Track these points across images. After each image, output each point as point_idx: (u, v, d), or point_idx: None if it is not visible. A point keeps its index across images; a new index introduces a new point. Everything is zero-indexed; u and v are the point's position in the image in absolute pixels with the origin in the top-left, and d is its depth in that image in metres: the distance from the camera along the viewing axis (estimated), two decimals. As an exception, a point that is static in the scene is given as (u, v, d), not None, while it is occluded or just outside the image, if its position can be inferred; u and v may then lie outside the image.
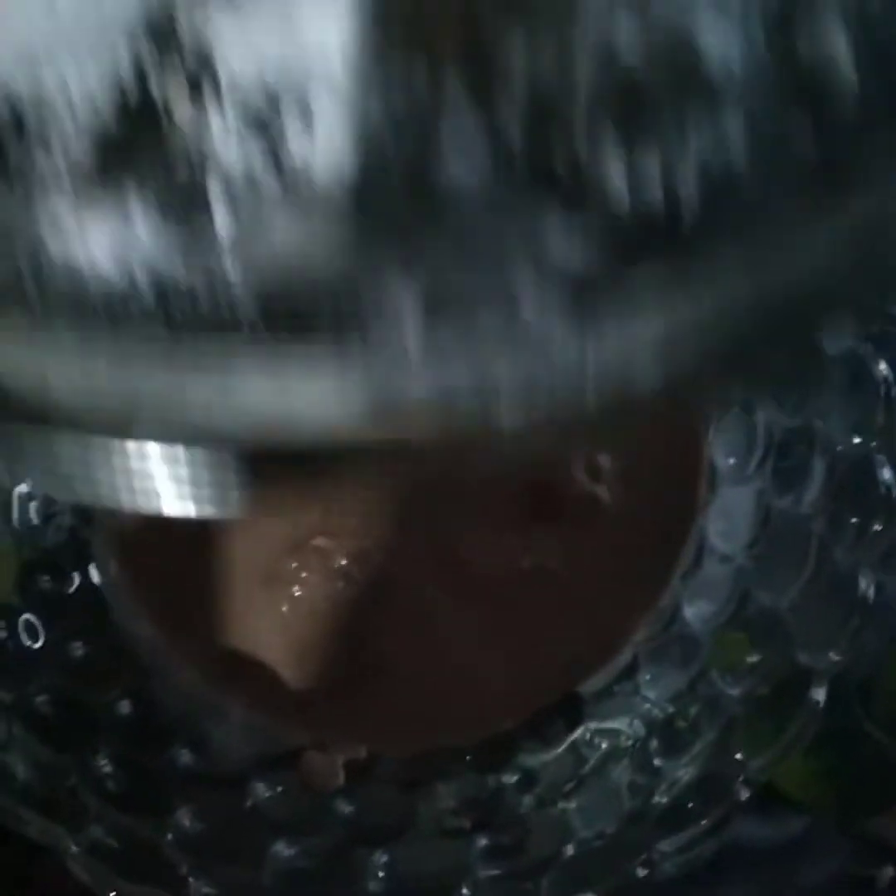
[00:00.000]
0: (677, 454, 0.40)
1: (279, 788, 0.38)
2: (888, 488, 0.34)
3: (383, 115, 0.19)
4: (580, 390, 0.18)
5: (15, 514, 0.39)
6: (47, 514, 0.40)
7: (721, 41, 0.18)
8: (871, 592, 0.33)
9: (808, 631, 0.34)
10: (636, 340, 0.18)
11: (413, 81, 0.19)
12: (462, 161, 0.19)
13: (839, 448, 0.35)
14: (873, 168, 0.18)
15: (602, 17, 0.18)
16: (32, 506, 0.40)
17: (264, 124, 0.18)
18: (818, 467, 0.36)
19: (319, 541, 0.40)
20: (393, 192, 0.19)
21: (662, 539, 0.39)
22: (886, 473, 0.34)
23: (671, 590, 0.39)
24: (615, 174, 0.18)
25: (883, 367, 0.34)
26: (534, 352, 0.18)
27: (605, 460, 0.39)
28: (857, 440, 0.35)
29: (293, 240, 0.18)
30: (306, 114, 0.19)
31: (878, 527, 0.34)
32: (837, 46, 0.18)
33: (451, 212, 0.19)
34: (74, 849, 0.34)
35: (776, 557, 0.37)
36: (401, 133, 0.19)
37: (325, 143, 0.18)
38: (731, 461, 0.39)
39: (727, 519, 0.39)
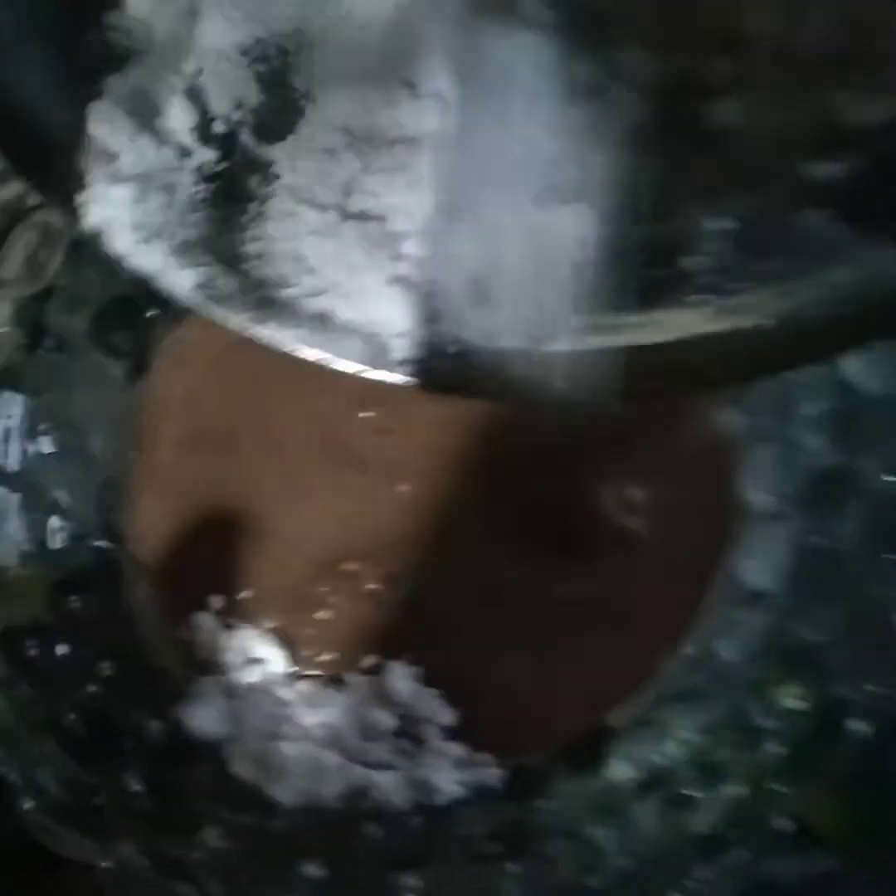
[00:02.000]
0: (709, 490, 0.40)
1: (308, 810, 0.38)
2: (924, 525, 0.35)
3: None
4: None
5: (47, 535, 0.40)
6: (78, 535, 0.40)
7: None
8: (909, 627, 0.34)
9: (845, 664, 0.35)
10: None
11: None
12: None
13: (875, 486, 0.36)
14: None
15: None
16: (64, 527, 0.40)
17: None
18: (854, 505, 0.36)
19: (349, 565, 0.41)
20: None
21: (694, 573, 0.40)
22: (922, 511, 0.35)
23: (703, 623, 0.39)
24: None
25: (919, 409, 0.35)
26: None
27: (638, 494, 0.40)
28: (892, 479, 0.36)
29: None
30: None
31: (914, 563, 0.35)
32: None
33: None
34: (105, 865, 0.34)
35: (811, 593, 0.37)
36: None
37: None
38: (765, 498, 0.39)
39: (761, 555, 0.39)
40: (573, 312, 0.25)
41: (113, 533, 0.41)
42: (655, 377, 0.26)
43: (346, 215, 0.26)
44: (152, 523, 0.41)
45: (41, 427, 0.39)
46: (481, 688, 0.39)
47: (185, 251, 0.27)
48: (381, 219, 0.26)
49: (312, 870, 0.36)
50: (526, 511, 0.40)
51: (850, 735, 0.33)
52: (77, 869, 0.35)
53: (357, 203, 0.26)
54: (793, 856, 0.38)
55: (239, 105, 0.27)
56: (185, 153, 0.27)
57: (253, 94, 0.27)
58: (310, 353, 0.27)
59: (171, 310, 0.42)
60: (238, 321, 0.27)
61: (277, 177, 0.27)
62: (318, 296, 0.26)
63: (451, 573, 0.40)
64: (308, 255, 0.26)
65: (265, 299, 0.27)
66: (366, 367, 0.27)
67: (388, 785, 0.38)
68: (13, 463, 0.39)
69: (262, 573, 0.41)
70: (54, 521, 0.40)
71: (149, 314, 0.41)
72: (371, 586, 0.41)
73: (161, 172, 0.27)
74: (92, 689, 0.38)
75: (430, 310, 0.26)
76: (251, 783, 0.38)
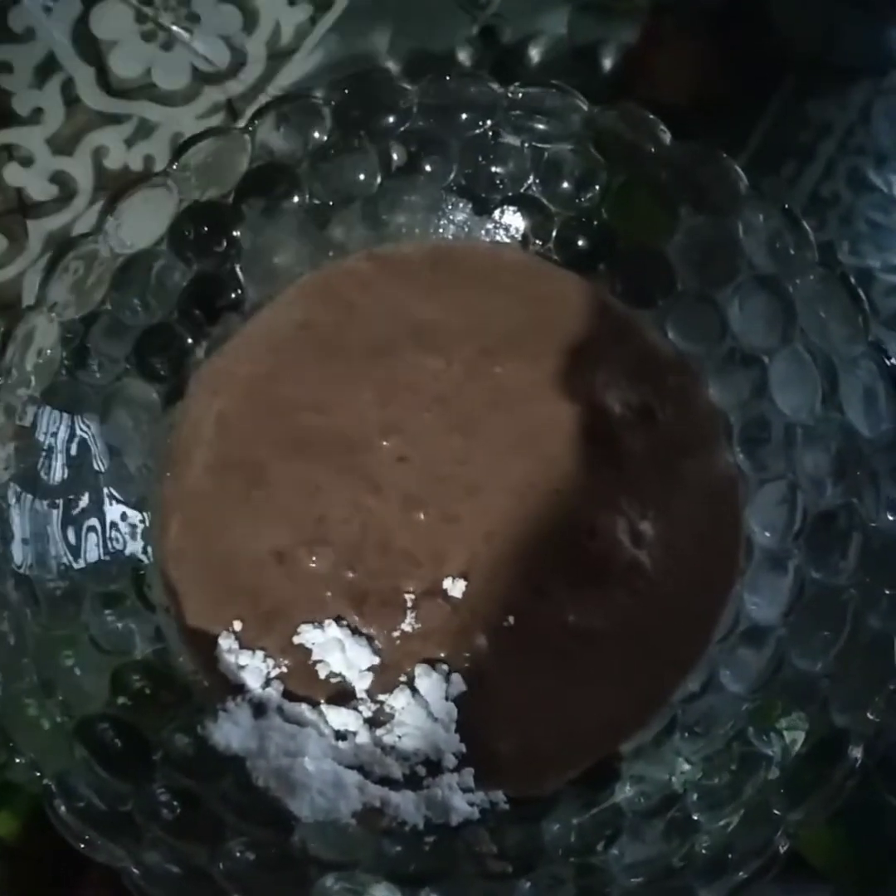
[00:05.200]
0: (717, 527, 0.42)
1: (327, 825, 0.39)
2: (922, 562, 0.36)
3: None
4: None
5: (84, 550, 0.41)
6: (114, 551, 0.42)
7: None
8: (907, 659, 0.35)
9: (844, 694, 0.36)
10: None
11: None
12: None
13: (874, 524, 0.38)
14: None
15: None
16: (100, 543, 0.42)
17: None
18: (855, 542, 0.38)
19: (369, 592, 0.42)
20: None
21: (701, 605, 0.41)
22: (920, 549, 0.36)
23: (709, 654, 0.41)
24: None
25: (917, 451, 0.37)
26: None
27: (650, 530, 0.42)
28: (891, 517, 0.37)
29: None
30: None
31: (912, 598, 0.36)
32: None
33: None
34: (134, 871, 0.35)
35: (812, 625, 0.39)
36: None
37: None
38: (770, 536, 0.41)
39: (765, 589, 0.41)
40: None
41: (146, 551, 0.42)
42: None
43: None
44: (182, 543, 0.42)
45: (81, 445, 0.41)
46: (497, 719, 0.41)
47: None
48: None
49: (331, 881, 0.37)
50: (539, 543, 0.42)
51: (848, 764, 0.35)
52: (103, 874, 0.36)
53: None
54: (787, 886, 0.40)
55: None
56: None
57: None
58: None
59: (209, 339, 0.44)
60: None
61: None
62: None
63: (465, 603, 0.41)
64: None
65: None
66: None
67: (404, 804, 0.39)
68: (54, 479, 0.40)
69: (285, 596, 0.42)
70: (91, 537, 0.41)
71: (187, 342, 0.43)
72: (387, 613, 0.42)
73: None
74: (122, 701, 0.39)
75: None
76: (273, 797, 0.39)
